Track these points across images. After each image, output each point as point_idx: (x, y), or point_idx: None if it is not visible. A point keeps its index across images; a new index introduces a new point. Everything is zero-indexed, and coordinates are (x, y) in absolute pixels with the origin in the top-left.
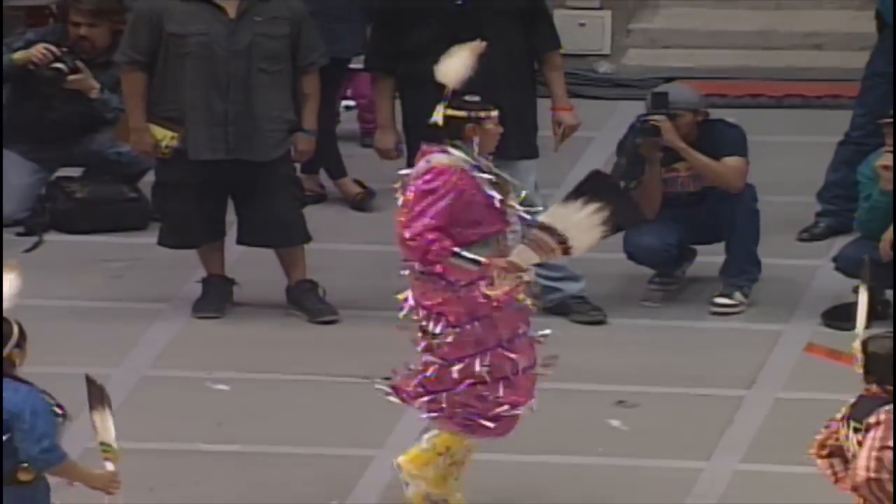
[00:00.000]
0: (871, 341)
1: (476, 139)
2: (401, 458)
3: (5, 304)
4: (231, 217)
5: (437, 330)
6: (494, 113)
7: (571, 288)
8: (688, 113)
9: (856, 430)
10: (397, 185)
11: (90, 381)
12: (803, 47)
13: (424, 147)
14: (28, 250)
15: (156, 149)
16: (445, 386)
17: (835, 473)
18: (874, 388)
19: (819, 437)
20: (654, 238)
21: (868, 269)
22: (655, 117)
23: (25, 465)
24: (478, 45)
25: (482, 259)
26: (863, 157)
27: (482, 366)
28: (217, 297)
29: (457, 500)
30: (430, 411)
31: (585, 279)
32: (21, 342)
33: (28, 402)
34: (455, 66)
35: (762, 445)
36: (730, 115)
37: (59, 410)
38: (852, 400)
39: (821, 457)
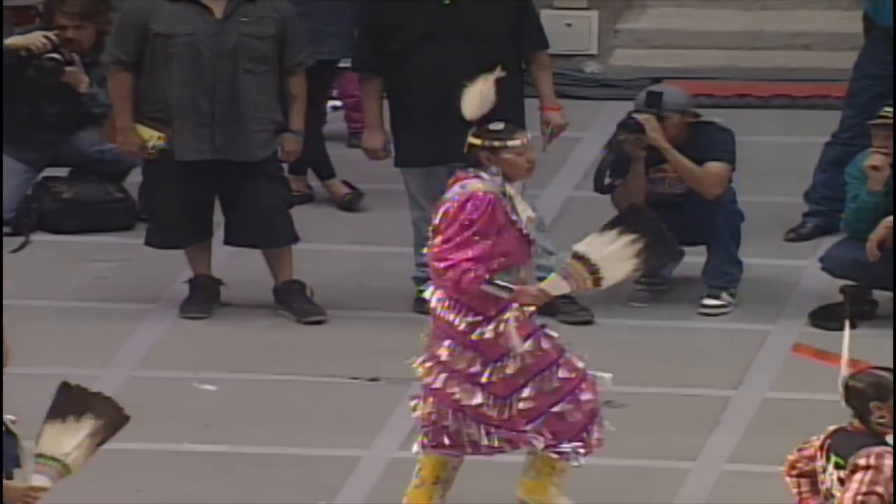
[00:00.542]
0: (852, 377)
1: (494, 168)
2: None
3: None
4: (218, 217)
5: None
6: (515, 142)
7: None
8: (675, 114)
9: (837, 466)
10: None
11: (73, 390)
12: (791, 47)
13: (459, 173)
14: (15, 250)
15: (142, 149)
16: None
17: (800, 493)
18: (857, 422)
19: (791, 457)
20: None
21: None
22: (641, 115)
23: None
24: (497, 73)
25: (514, 287)
26: (851, 158)
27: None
28: (204, 298)
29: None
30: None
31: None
32: None
33: None
34: (474, 95)
35: (749, 446)
36: (717, 116)
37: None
38: (831, 428)
39: (790, 476)
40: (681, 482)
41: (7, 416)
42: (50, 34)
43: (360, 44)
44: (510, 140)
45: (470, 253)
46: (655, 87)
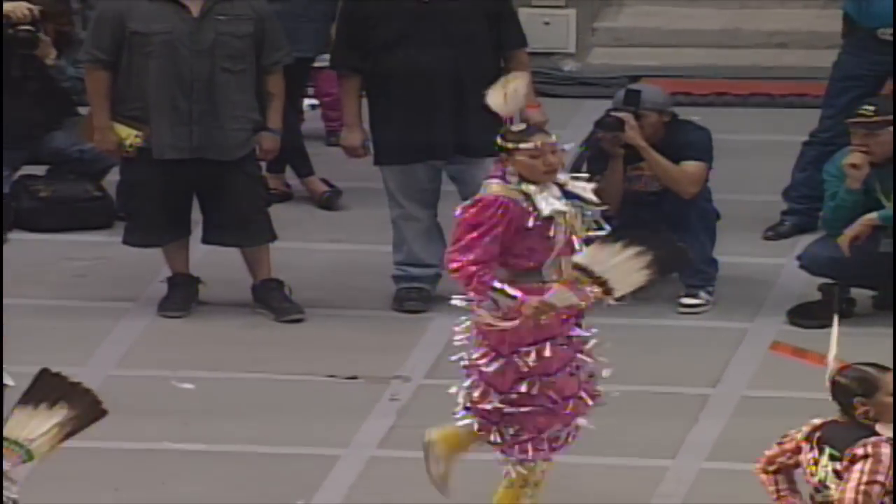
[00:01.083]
0: (838, 373)
1: (511, 168)
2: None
3: None
4: (196, 216)
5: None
6: (528, 144)
7: None
8: (653, 113)
9: (833, 458)
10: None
11: (48, 377)
12: (768, 46)
13: (494, 165)
14: None
15: (120, 148)
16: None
17: (778, 491)
18: (846, 416)
19: (770, 452)
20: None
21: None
22: (620, 112)
23: None
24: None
25: (519, 295)
26: (830, 157)
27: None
28: (182, 296)
29: None
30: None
31: None
32: None
33: None
34: (500, 93)
35: (727, 444)
36: (695, 114)
37: None
38: (816, 421)
39: (766, 472)
40: (660, 479)
41: None
42: (33, 7)
43: (338, 42)
44: (523, 142)
45: (473, 255)
46: (634, 86)
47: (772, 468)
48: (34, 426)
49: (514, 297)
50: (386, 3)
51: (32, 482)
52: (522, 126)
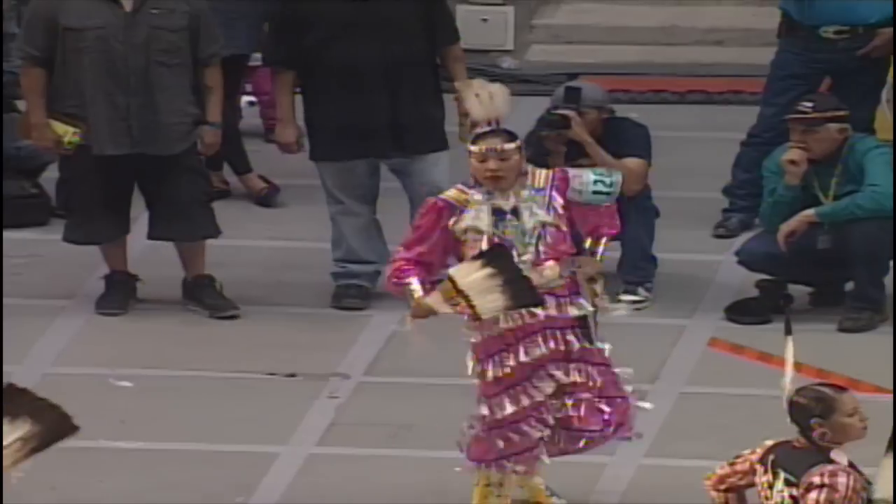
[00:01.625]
0: (797, 392)
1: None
2: None
3: None
4: (134, 212)
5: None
6: (474, 147)
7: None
8: (593, 110)
9: (788, 483)
10: None
11: (10, 391)
12: (705, 43)
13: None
14: None
15: (58, 145)
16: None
17: None
18: (801, 438)
19: (721, 471)
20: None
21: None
22: (565, 110)
23: None
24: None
25: (415, 296)
26: None
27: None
28: (120, 294)
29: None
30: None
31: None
32: None
33: None
34: (473, 100)
35: (666, 439)
36: (633, 111)
37: None
38: (769, 443)
39: (717, 491)
40: (598, 476)
41: None
42: None
43: (271, 38)
44: (473, 144)
45: (403, 254)
46: (573, 83)
47: (723, 487)
48: None
49: (412, 297)
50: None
51: None
52: (486, 129)
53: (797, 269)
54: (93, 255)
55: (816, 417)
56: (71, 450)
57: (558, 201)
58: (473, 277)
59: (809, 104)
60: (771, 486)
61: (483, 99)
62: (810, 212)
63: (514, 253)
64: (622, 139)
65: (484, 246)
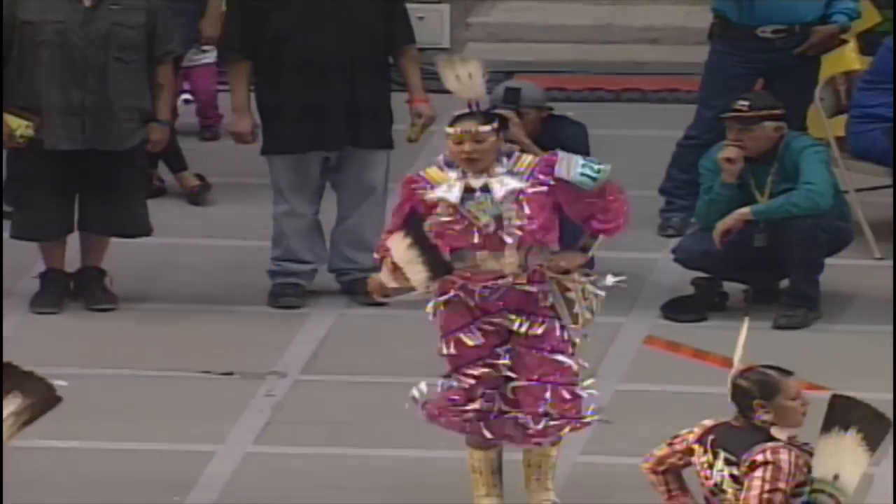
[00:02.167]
0: (741, 372)
1: (445, 151)
2: None
3: None
4: None
5: None
6: (450, 129)
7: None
8: (532, 110)
9: (729, 463)
10: None
11: (8, 369)
12: (640, 41)
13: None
14: None
15: (10, 138)
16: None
17: (668, 490)
18: (741, 418)
19: (659, 452)
20: None
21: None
22: (503, 110)
23: None
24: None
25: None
26: None
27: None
28: (56, 292)
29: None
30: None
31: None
32: None
33: None
34: (452, 78)
35: (602, 436)
36: (569, 109)
37: None
38: (707, 423)
39: (655, 472)
40: None
41: None
42: None
43: (229, 29)
44: (449, 126)
45: (390, 227)
46: (512, 83)
47: (661, 468)
48: None
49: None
50: None
51: None
52: (465, 111)
53: (733, 266)
54: (28, 253)
55: (759, 399)
56: (6, 450)
57: (540, 178)
58: (402, 250)
59: (745, 102)
60: (711, 466)
61: (462, 78)
62: (746, 210)
63: (499, 228)
64: (560, 138)
65: (474, 233)
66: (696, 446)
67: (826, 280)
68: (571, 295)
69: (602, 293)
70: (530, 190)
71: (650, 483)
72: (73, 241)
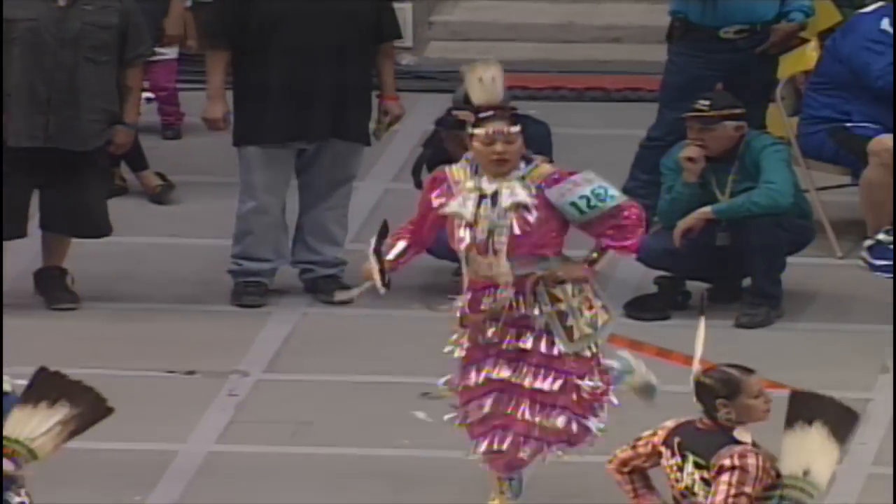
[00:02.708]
0: (704, 371)
1: (470, 153)
2: None
3: None
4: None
5: None
6: (479, 130)
7: (326, 269)
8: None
9: (698, 466)
10: None
11: (51, 376)
12: (601, 40)
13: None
14: None
15: None
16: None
17: (634, 489)
18: (706, 418)
19: (623, 454)
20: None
21: (704, 300)
22: (462, 112)
23: None
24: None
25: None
26: None
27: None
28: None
29: None
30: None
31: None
32: None
33: None
34: (475, 84)
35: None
36: (531, 108)
37: None
38: (669, 424)
39: (620, 473)
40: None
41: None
42: None
43: (213, 16)
44: (477, 128)
45: (410, 219)
46: None
47: (626, 469)
48: (35, 425)
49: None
50: None
51: (20, 469)
52: (490, 112)
53: (695, 265)
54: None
55: (722, 398)
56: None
57: (544, 193)
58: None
59: (706, 102)
60: (681, 469)
61: (486, 82)
62: (707, 209)
63: (490, 237)
64: (523, 137)
65: (465, 232)
66: (662, 448)
67: (788, 278)
68: (563, 307)
69: (599, 308)
70: (532, 204)
71: (616, 482)
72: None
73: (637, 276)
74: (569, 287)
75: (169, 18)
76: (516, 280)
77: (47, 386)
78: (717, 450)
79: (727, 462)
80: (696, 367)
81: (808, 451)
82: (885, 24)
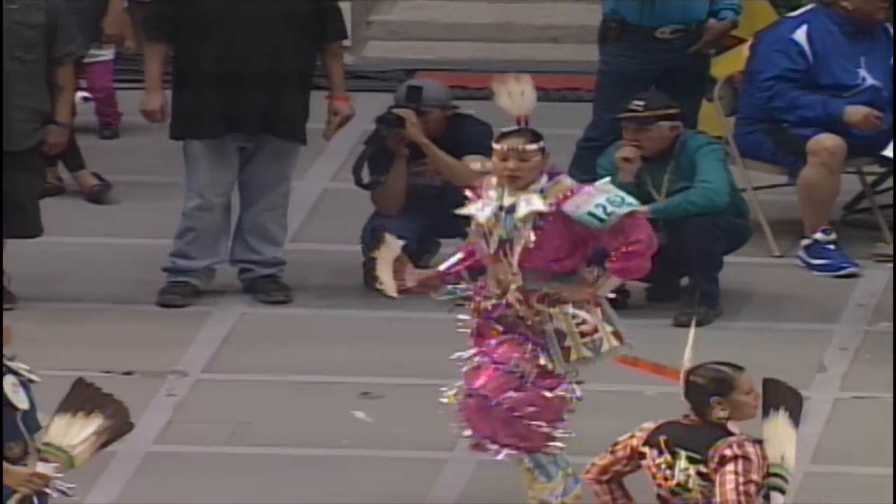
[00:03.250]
0: (694, 370)
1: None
2: None
3: None
4: None
5: None
6: (497, 146)
7: (265, 268)
8: (435, 109)
9: (693, 461)
10: None
11: (86, 387)
12: (540, 40)
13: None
14: None
15: None
16: None
17: (614, 499)
18: (693, 416)
19: (602, 461)
20: (390, 230)
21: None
22: (402, 110)
23: None
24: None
25: None
26: None
27: None
28: None
29: None
30: None
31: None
32: None
33: None
34: (505, 97)
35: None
36: (470, 108)
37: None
38: (649, 425)
39: (599, 482)
40: (438, 472)
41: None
42: None
43: (155, 8)
44: (496, 143)
45: None
46: (415, 82)
47: (606, 477)
48: (74, 433)
49: None
50: None
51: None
52: (514, 127)
53: None
54: None
55: (716, 396)
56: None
57: (560, 207)
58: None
59: (641, 103)
60: (671, 467)
61: (515, 95)
62: (644, 209)
63: (503, 247)
64: (464, 137)
65: (482, 240)
66: (645, 449)
67: (725, 277)
68: (562, 326)
69: (608, 333)
70: (548, 216)
71: (593, 493)
72: None
73: None
74: (569, 309)
75: (107, 18)
76: (524, 293)
77: (84, 397)
78: (710, 443)
79: (728, 452)
80: (685, 366)
81: (781, 437)
82: (800, 33)
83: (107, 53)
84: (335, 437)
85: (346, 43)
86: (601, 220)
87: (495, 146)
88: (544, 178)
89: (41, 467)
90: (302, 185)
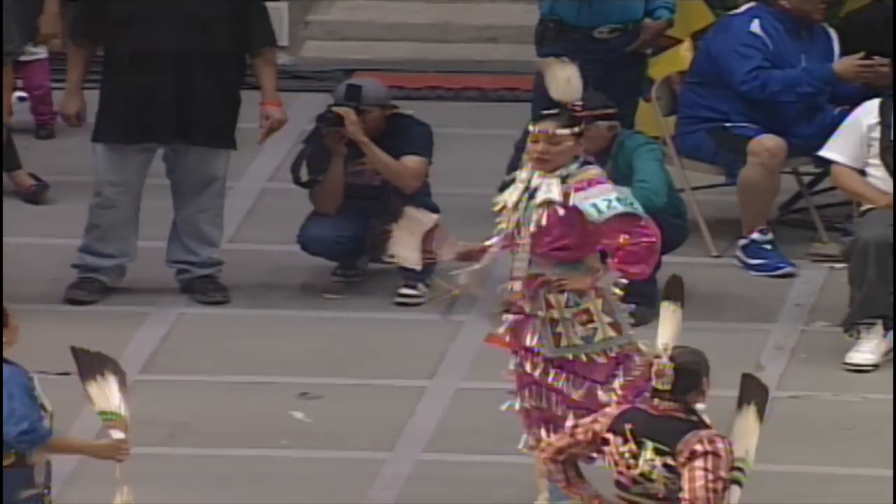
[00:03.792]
0: (679, 355)
1: None
2: None
3: None
4: None
5: None
6: (532, 127)
7: (202, 269)
8: (375, 108)
9: (660, 453)
10: None
11: (82, 352)
12: (478, 40)
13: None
14: None
15: None
16: None
17: (567, 478)
18: (666, 404)
19: (559, 443)
20: (326, 229)
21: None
22: (342, 108)
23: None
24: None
25: None
26: None
27: None
28: None
29: None
30: None
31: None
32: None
33: (7, 385)
34: (554, 84)
35: (444, 435)
36: (408, 108)
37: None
38: (612, 411)
39: (554, 461)
40: (377, 472)
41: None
42: None
43: (77, 13)
44: (530, 125)
45: None
46: (354, 81)
47: (561, 458)
48: (110, 395)
49: None
50: None
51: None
52: (552, 111)
53: None
54: None
55: (705, 377)
56: None
57: (574, 196)
58: None
59: (578, 103)
60: (635, 457)
61: (560, 81)
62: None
63: (516, 231)
64: (403, 137)
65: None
66: (609, 435)
67: (663, 277)
68: (555, 314)
69: (606, 324)
70: (559, 202)
71: (547, 471)
72: None
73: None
74: (563, 297)
75: (43, 17)
76: (528, 278)
77: (91, 360)
78: (680, 436)
79: (699, 448)
80: (664, 354)
81: (749, 432)
82: (755, 26)
83: (42, 52)
84: (274, 438)
85: (284, 43)
86: (599, 211)
87: (530, 128)
88: (574, 164)
89: (115, 434)
90: (240, 184)
